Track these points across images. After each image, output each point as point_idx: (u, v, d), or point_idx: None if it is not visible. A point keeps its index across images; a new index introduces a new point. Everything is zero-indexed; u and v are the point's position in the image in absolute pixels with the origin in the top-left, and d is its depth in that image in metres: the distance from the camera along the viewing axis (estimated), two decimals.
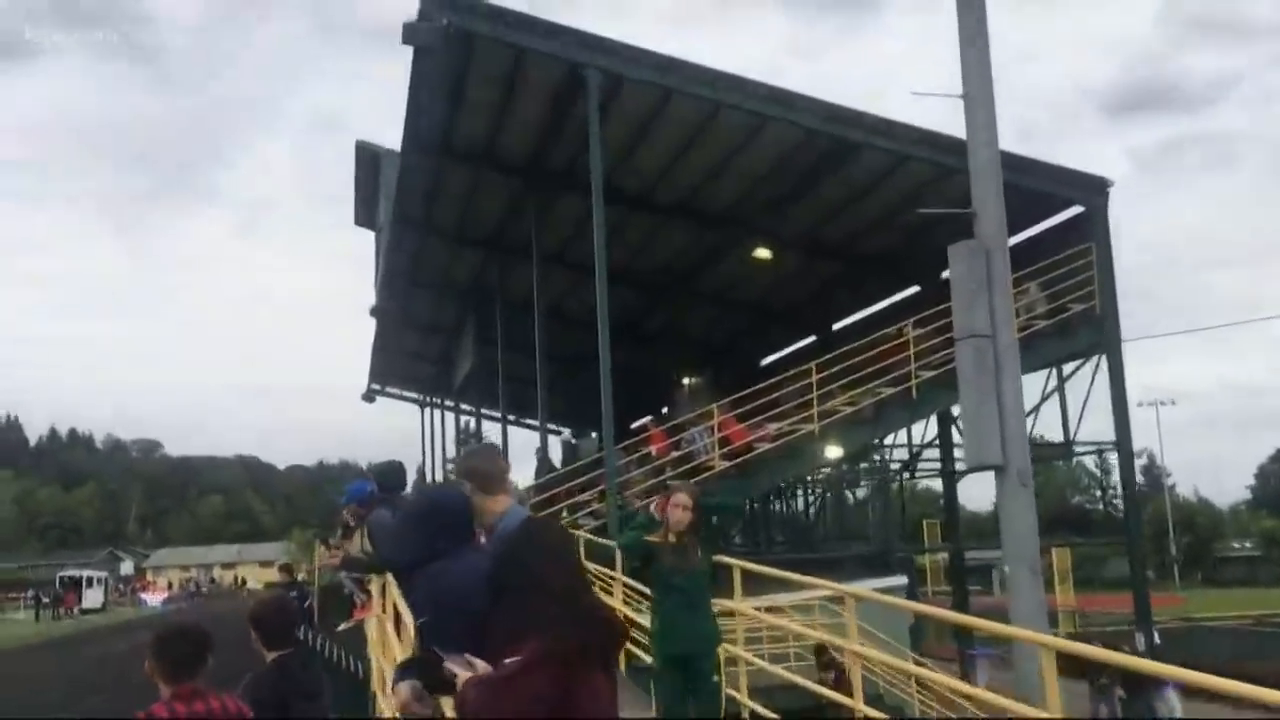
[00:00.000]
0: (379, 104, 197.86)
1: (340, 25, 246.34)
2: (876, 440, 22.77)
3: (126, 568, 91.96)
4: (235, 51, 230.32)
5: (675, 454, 17.74)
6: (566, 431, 30.80)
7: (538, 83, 17.76)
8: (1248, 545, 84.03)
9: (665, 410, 27.85)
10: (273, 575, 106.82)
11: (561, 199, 21.82)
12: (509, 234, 24.30)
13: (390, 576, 8.44)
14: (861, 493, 32.89)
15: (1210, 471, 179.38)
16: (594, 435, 29.02)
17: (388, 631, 9.03)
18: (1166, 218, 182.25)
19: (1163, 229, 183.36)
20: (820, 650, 12.39)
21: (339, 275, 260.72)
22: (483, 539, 3.63)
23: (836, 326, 27.39)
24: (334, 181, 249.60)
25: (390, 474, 9.05)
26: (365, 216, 36.48)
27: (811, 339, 28.19)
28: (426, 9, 15.80)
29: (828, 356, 17.72)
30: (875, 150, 17.88)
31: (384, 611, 10.11)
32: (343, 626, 18.45)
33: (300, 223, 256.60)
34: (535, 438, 33.57)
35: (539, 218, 21.82)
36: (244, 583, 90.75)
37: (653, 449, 18.15)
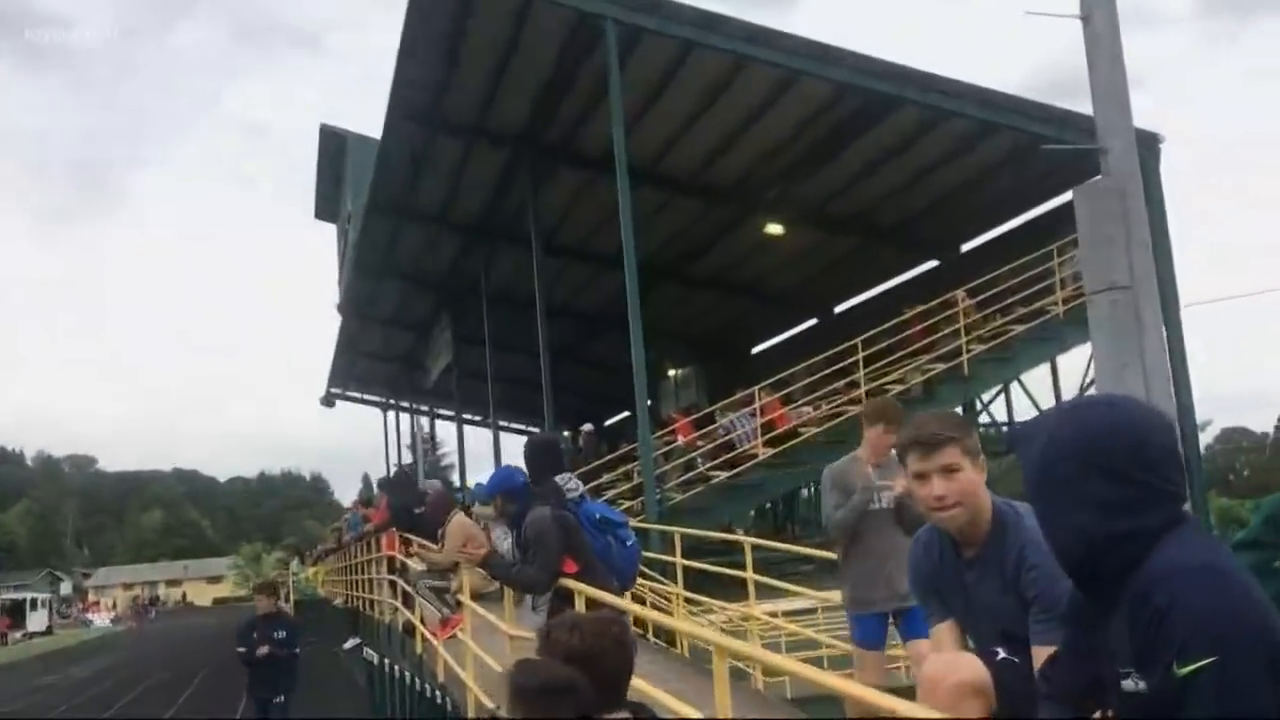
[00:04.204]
0: (298, 106, 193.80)
1: (254, 29, 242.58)
2: None
3: (66, 588, 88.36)
4: (150, 56, 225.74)
5: (706, 445, 16.20)
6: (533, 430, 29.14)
7: (543, 39, 16.10)
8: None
9: (649, 404, 26.18)
10: (219, 591, 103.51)
11: (557, 172, 20.18)
12: (495, 214, 22.54)
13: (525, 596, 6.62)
14: None
15: None
16: (565, 433, 27.35)
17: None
18: None
19: None
20: None
21: (269, 282, 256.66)
22: None
23: (838, 309, 26.00)
24: (275, 181, 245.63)
25: (547, 453, 6.67)
26: (327, 208, 34.47)
27: (811, 322, 26.78)
28: None
29: (873, 333, 16.22)
30: (912, 106, 16.40)
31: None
32: (349, 645, 16.76)
33: (232, 226, 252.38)
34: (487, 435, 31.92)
35: (534, 194, 20.13)
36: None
37: (680, 439, 16.59)
